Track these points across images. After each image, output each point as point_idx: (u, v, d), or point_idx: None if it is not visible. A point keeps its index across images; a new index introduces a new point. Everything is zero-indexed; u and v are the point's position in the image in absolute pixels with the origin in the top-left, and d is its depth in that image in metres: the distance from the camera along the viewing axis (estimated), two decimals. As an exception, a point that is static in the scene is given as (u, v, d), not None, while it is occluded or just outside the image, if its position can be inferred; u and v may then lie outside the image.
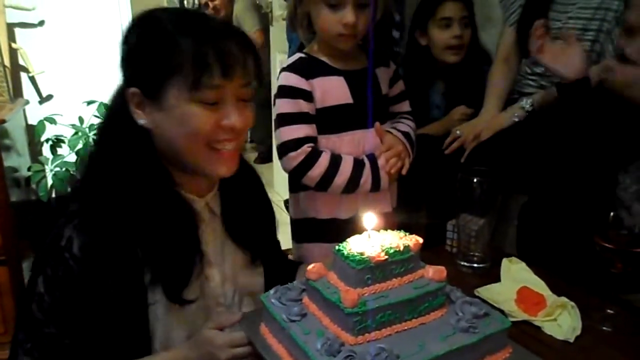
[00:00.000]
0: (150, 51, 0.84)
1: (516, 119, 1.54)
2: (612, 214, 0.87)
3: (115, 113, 0.89)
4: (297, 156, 1.21)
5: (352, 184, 1.23)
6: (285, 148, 1.23)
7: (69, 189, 1.87)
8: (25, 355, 0.81)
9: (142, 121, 0.86)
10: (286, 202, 1.66)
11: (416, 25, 1.74)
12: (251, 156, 4.19)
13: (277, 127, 1.25)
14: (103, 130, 0.92)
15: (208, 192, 0.95)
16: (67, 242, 0.80)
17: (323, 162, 1.21)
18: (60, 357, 0.81)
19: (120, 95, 0.87)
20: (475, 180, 1.10)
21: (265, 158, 3.96)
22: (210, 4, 4.01)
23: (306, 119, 1.23)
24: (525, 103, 1.54)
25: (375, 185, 1.25)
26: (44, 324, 0.80)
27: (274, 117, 1.28)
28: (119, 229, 0.82)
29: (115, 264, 0.82)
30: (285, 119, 1.23)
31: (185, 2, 4.89)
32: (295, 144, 1.22)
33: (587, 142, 1.05)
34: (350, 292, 0.73)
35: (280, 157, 1.25)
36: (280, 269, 1.09)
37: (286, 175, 1.33)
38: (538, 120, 1.41)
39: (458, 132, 1.58)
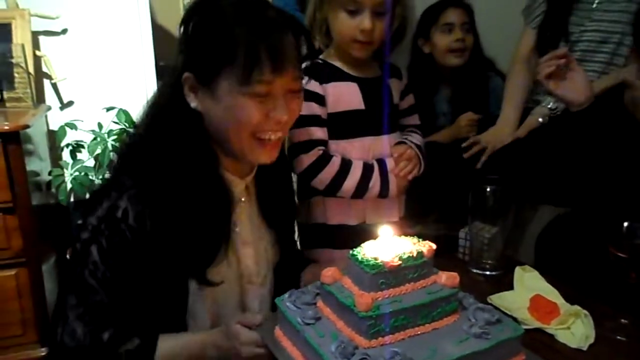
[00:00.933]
0: (206, 39, 0.87)
1: (542, 120, 1.55)
2: (625, 224, 0.88)
3: (169, 93, 0.93)
4: (308, 158, 1.23)
5: (361, 188, 1.24)
6: (297, 149, 1.25)
7: (87, 195, 1.91)
8: (77, 319, 0.86)
9: (194, 104, 0.90)
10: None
11: (419, 34, 1.81)
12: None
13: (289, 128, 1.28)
14: (155, 108, 0.95)
15: (248, 175, 1.01)
16: (123, 213, 0.85)
17: (334, 165, 1.23)
18: (108, 322, 0.87)
19: (176, 77, 0.91)
20: (488, 188, 1.11)
21: None
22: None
23: (318, 122, 1.25)
24: (548, 102, 1.56)
25: (384, 190, 1.26)
26: (96, 291, 0.85)
27: None
28: (168, 202, 0.87)
29: (163, 235, 0.87)
30: (298, 121, 1.25)
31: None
32: (307, 146, 1.23)
33: (602, 153, 1.05)
34: (365, 296, 0.75)
35: (291, 158, 1.27)
36: (290, 254, 1.15)
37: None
38: (552, 131, 1.41)
39: (481, 141, 1.61)
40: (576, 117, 1.13)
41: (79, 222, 0.92)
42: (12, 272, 1.61)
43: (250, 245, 1.02)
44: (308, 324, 0.80)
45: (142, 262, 0.87)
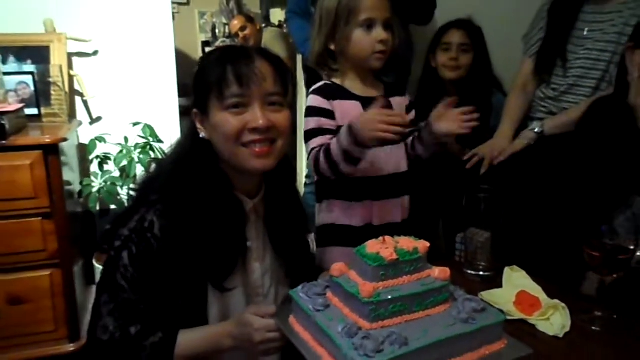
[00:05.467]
0: (199, 78, 1.06)
1: (527, 142, 1.71)
2: (597, 227, 1.00)
3: (188, 129, 1.12)
4: (310, 164, 1.38)
5: (345, 155, 1.28)
6: (313, 156, 1.38)
7: (112, 204, 2.06)
8: (109, 315, 0.99)
9: (202, 134, 1.07)
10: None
11: (430, 50, 2.04)
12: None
13: (306, 141, 1.41)
14: (178, 141, 1.15)
15: (256, 196, 1.14)
16: (150, 224, 1.00)
17: (322, 156, 1.34)
18: (135, 318, 0.99)
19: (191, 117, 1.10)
20: (481, 197, 1.23)
21: None
22: (241, 34, 4.25)
23: (328, 132, 1.38)
24: (535, 126, 1.73)
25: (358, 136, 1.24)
26: (126, 290, 0.99)
27: (302, 134, 1.45)
28: (188, 219, 1.01)
29: (185, 246, 1.00)
30: (312, 134, 1.40)
31: (217, 32, 5.17)
32: (319, 151, 1.36)
33: (576, 171, 1.19)
34: (367, 285, 0.87)
35: (311, 166, 1.41)
36: (305, 267, 1.25)
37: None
38: (542, 148, 1.54)
39: (479, 153, 1.77)
40: (557, 141, 1.26)
41: (107, 228, 1.06)
42: (47, 272, 1.75)
43: (258, 261, 1.15)
44: (318, 311, 0.92)
45: (165, 267, 1.00)
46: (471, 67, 1.95)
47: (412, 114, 1.53)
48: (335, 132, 1.38)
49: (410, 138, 1.48)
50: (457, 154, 1.84)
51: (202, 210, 1.03)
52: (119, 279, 0.99)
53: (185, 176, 1.06)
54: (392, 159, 1.44)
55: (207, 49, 4.94)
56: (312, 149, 1.38)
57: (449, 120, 1.33)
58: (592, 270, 1.02)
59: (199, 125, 1.08)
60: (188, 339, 1.02)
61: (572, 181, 1.21)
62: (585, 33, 1.70)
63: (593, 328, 1.01)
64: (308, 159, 1.42)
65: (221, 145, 1.05)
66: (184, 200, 1.03)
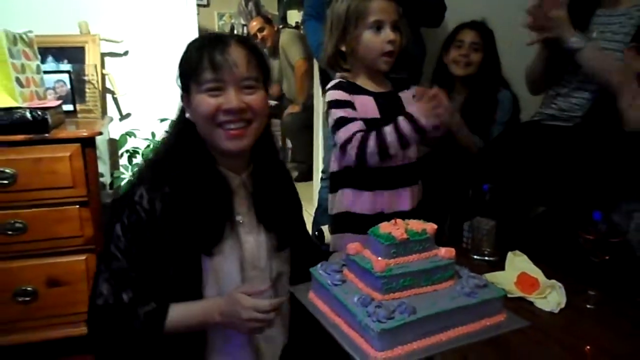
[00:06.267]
0: (182, 63, 1.14)
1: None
2: (591, 214, 1.09)
3: (179, 111, 1.20)
4: (353, 147, 1.45)
5: (383, 149, 1.43)
6: (345, 144, 1.47)
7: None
8: (104, 282, 1.05)
9: (187, 115, 1.15)
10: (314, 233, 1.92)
11: (444, 47, 2.16)
12: (292, 175, 4.43)
13: (335, 131, 1.50)
14: (171, 124, 1.22)
15: (243, 171, 1.20)
16: (139, 197, 1.07)
17: (372, 140, 1.44)
18: (128, 285, 1.06)
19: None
20: (486, 188, 1.33)
21: (305, 176, 4.17)
22: (259, 35, 4.37)
23: (355, 119, 1.48)
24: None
25: (403, 142, 1.42)
26: (119, 259, 1.06)
27: (330, 124, 1.52)
28: (174, 192, 1.10)
29: (172, 217, 1.08)
30: (340, 123, 1.49)
31: (235, 32, 5.29)
32: (350, 138, 1.46)
33: (570, 164, 1.28)
34: (380, 261, 0.97)
35: (343, 154, 1.49)
36: (309, 256, 1.29)
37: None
38: (544, 140, 1.63)
39: None
40: (559, 134, 1.35)
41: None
42: (83, 257, 1.86)
43: (252, 234, 1.18)
44: (336, 285, 1.03)
45: (155, 238, 1.05)
46: (481, 65, 2.05)
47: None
48: (358, 119, 1.48)
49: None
50: (469, 148, 1.91)
51: (186, 184, 1.10)
52: (113, 249, 1.05)
53: (172, 153, 1.14)
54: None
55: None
56: (355, 132, 1.46)
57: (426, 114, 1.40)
58: (587, 254, 1.11)
59: (186, 107, 1.16)
60: (179, 311, 1.06)
61: (570, 173, 1.30)
62: (594, 35, 1.77)
63: (587, 306, 1.10)
64: (340, 147, 1.49)
65: (200, 125, 1.13)
66: (169, 175, 1.10)
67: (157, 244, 1.07)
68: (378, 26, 1.46)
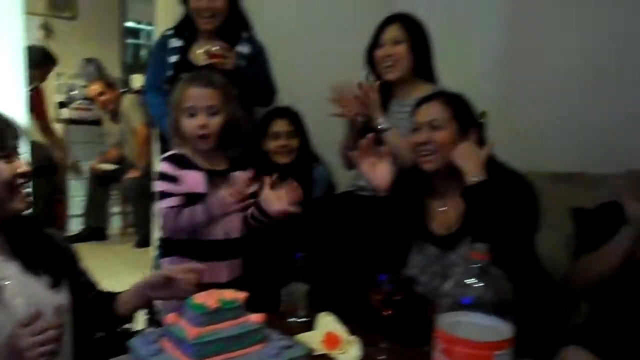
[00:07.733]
0: None
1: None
2: (377, 277, 1.31)
3: None
4: (167, 220, 1.62)
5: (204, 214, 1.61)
6: (162, 216, 1.63)
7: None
8: None
9: None
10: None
11: (258, 136, 2.26)
12: (130, 240, 4.30)
13: (157, 202, 1.65)
14: None
15: None
16: None
17: (185, 215, 1.61)
18: None
19: None
20: (297, 256, 1.51)
21: (143, 243, 3.96)
22: (99, 99, 4.27)
23: (172, 195, 1.62)
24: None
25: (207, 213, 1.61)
26: None
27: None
28: None
29: None
30: (161, 196, 1.64)
31: (73, 93, 5.02)
32: (166, 212, 1.61)
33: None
34: (193, 329, 1.06)
35: (166, 220, 1.64)
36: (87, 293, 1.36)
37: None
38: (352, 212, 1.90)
39: None
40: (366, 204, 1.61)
41: None
42: None
43: (20, 295, 1.18)
44: (152, 355, 1.08)
45: None
46: (299, 149, 2.23)
47: (254, 187, 1.78)
48: (179, 194, 1.62)
49: (250, 209, 1.72)
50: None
51: None
52: None
53: None
54: (222, 226, 1.68)
55: (62, 110, 4.82)
56: (169, 207, 1.61)
57: (279, 199, 1.63)
58: (377, 310, 1.31)
59: None
60: None
61: (369, 241, 1.54)
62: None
63: (378, 358, 1.29)
64: (161, 215, 1.64)
65: None
66: None
67: None
68: (192, 112, 1.64)
